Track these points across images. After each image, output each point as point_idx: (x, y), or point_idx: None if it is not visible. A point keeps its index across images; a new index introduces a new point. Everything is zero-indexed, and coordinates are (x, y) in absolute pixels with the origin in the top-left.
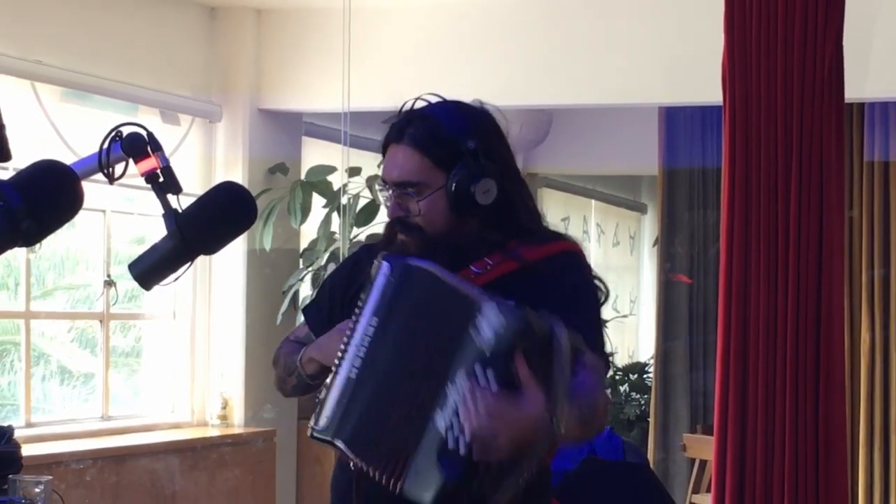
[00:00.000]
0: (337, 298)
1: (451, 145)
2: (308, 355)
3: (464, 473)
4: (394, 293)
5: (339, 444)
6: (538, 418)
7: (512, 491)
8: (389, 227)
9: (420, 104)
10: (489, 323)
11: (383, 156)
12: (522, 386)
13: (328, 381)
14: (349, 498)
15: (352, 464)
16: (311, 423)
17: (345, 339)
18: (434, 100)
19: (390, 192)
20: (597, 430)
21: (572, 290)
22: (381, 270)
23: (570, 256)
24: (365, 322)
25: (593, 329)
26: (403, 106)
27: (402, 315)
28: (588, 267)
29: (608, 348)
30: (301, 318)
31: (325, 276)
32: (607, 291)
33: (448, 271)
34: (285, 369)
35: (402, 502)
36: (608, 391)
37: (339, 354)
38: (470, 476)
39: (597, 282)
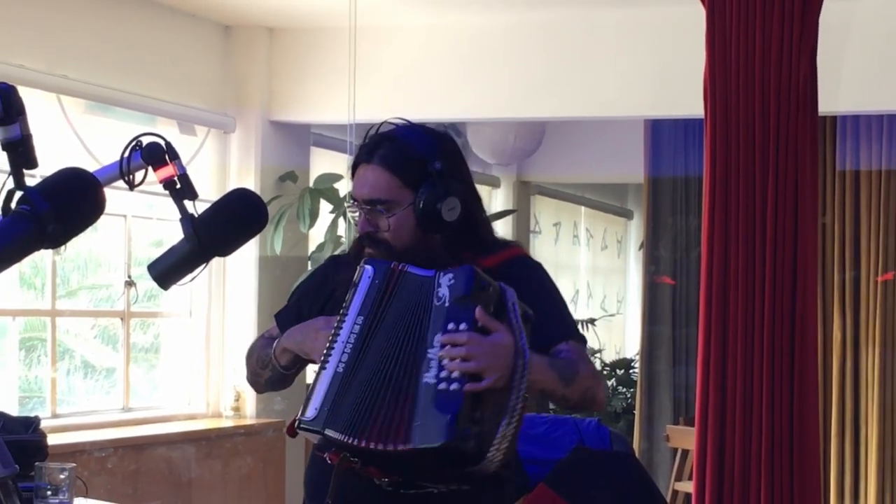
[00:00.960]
0: (305, 306)
1: (418, 166)
2: (282, 346)
3: (465, 408)
4: (377, 293)
5: (330, 432)
6: (510, 346)
7: (508, 433)
8: (358, 241)
9: (387, 127)
10: (445, 285)
11: (352, 176)
12: (488, 328)
13: (314, 377)
14: (324, 491)
15: (328, 458)
16: (298, 415)
17: (330, 338)
18: (400, 123)
19: (360, 209)
20: (581, 395)
21: (536, 287)
22: (365, 273)
23: (521, 260)
24: (350, 321)
25: (565, 316)
26: (370, 129)
27: (384, 311)
28: (539, 266)
29: (596, 341)
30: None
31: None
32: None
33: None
34: (259, 362)
35: (382, 494)
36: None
37: (325, 352)
38: (471, 408)
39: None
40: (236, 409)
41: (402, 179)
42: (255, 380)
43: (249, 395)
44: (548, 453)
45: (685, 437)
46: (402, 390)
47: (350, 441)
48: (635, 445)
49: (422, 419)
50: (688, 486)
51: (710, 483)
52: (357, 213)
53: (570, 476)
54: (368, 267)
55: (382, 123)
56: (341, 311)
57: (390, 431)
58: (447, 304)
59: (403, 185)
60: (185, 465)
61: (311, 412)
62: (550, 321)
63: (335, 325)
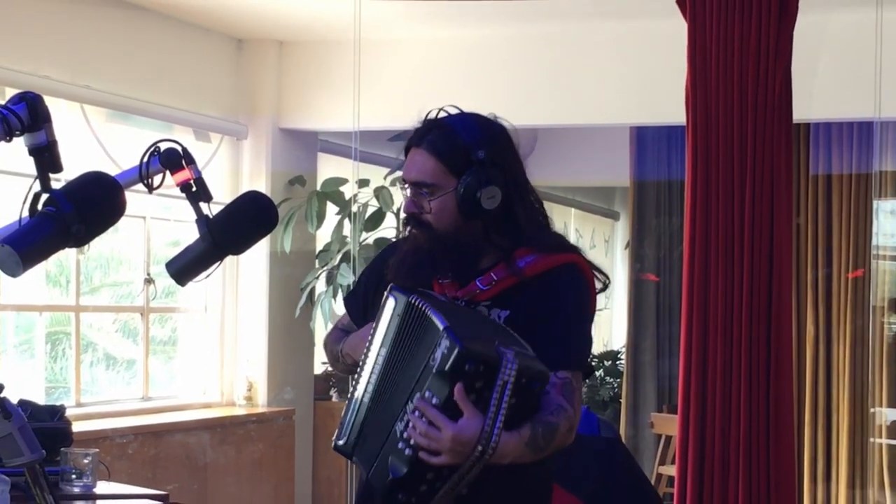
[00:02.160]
0: (371, 290)
1: (463, 153)
2: (345, 350)
3: (408, 473)
4: (396, 328)
5: (356, 460)
6: (469, 440)
7: (446, 498)
8: (405, 221)
9: (442, 114)
10: (441, 353)
11: (405, 157)
12: (463, 411)
13: (348, 398)
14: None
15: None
16: (334, 437)
17: (360, 363)
18: (453, 111)
19: (407, 189)
20: (555, 449)
21: (562, 303)
22: (389, 304)
23: (569, 270)
24: (375, 351)
25: (573, 341)
26: (428, 114)
27: (398, 346)
28: (586, 280)
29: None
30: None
31: (344, 276)
32: (606, 285)
33: (450, 289)
34: (332, 356)
35: None
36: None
37: (356, 376)
38: (414, 475)
39: (597, 281)
40: (249, 399)
41: (447, 165)
42: (334, 366)
43: (261, 385)
44: None
45: (668, 424)
46: (386, 427)
47: (361, 469)
48: (622, 432)
49: (380, 461)
50: (671, 470)
51: (691, 467)
52: (405, 194)
53: (560, 460)
54: (391, 298)
55: (440, 109)
56: (370, 338)
57: (369, 459)
58: (433, 371)
59: (448, 171)
60: (201, 451)
61: (342, 437)
62: (551, 346)
63: (364, 350)
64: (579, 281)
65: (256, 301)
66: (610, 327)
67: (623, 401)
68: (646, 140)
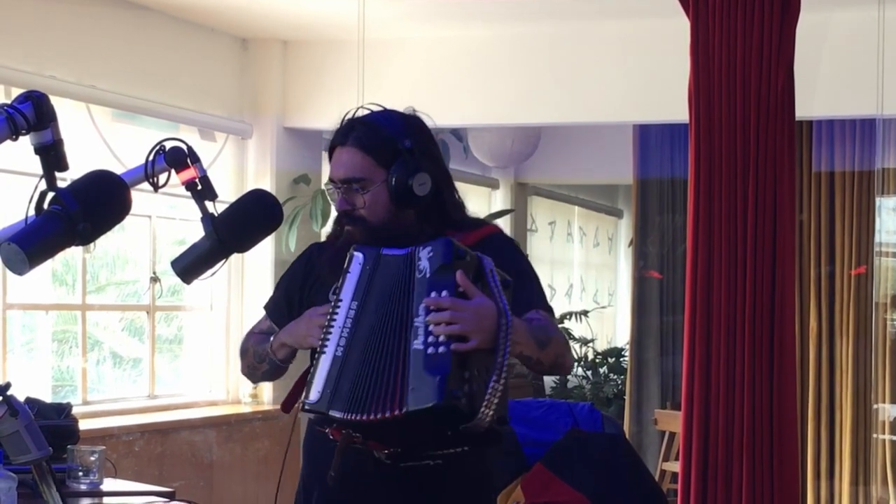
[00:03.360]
0: (294, 291)
1: (390, 145)
2: (279, 341)
3: (454, 368)
4: (368, 278)
5: (334, 413)
6: (492, 311)
7: (499, 390)
8: (337, 220)
9: (361, 112)
10: (425, 258)
11: (329, 159)
12: (469, 293)
13: (314, 361)
14: (325, 465)
15: (329, 434)
16: (303, 397)
17: (326, 324)
18: (373, 107)
19: (337, 189)
20: (554, 360)
21: (509, 260)
22: (355, 260)
23: (496, 237)
24: (345, 306)
25: (539, 291)
26: (345, 114)
27: (375, 294)
28: (512, 242)
29: (588, 332)
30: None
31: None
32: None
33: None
34: (255, 357)
35: (381, 466)
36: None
37: (323, 337)
38: (460, 369)
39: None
40: (254, 396)
41: (375, 158)
42: (251, 373)
43: (267, 383)
44: (544, 435)
45: (672, 421)
46: (394, 361)
47: (352, 417)
48: (625, 428)
49: (414, 384)
50: (674, 466)
51: (695, 463)
52: (335, 194)
53: (565, 456)
54: (358, 254)
55: (357, 109)
56: (335, 297)
57: (387, 401)
58: (428, 275)
59: (377, 164)
60: (207, 448)
61: (314, 395)
62: (522, 290)
63: (329, 310)
64: (512, 243)
65: (261, 299)
66: (613, 324)
67: (627, 398)
68: (649, 138)
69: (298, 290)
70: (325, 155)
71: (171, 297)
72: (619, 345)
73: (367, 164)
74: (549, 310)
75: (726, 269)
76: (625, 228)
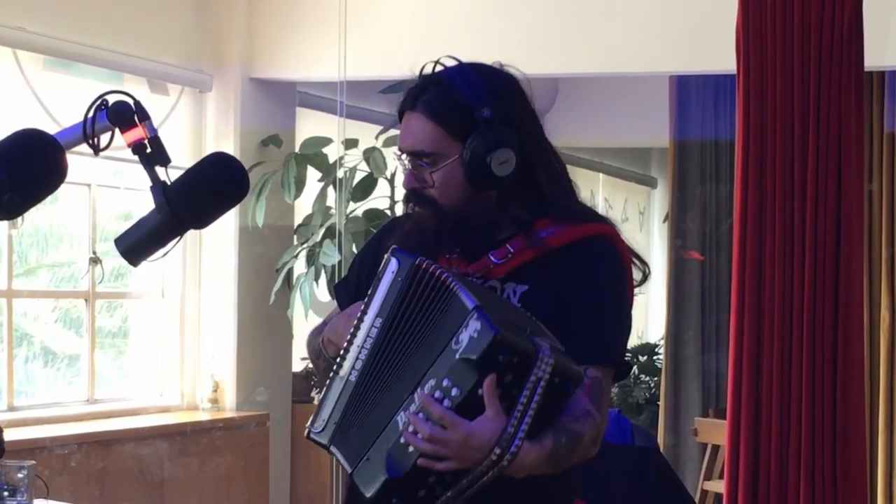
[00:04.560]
0: (364, 275)
1: (466, 113)
2: (326, 337)
3: (407, 476)
4: (398, 294)
5: (335, 451)
6: (483, 445)
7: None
8: (405, 198)
9: (437, 68)
10: (468, 336)
11: (399, 122)
12: (486, 408)
13: (328, 381)
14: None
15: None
16: (309, 423)
17: (347, 338)
18: (451, 63)
19: (406, 161)
20: (576, 462)
21: (590, 284)
22: (389, 267)
23: (600, 242)
24: (369, 322)
25: (602, 331)
26: (422, 69)
27: (405, 317)
28: (620, 254)
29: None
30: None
31: (327, 254)
32: (646, 274)
33: (458, 264)
34: (313, 353)
35: None
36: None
37: (341, 353)
38: (413, 480)
39: (635, 269)
40: (214, 401)
41: (448, 129)
42: (317, 369)
43: (228, 386)
44: None
45: (715, 431)
46: (383, 414)
47: (343, 462)
48: (659, 440)
49: (373, 456)
50: (718, 486)
51: (742, 482)
52: (404, 166)
53: (587, 473)
54: (393, 259)
55: (436, 63)
56: (363, 308)
57: (355, 451)
58: (457, 357)
59: (449, 136)
60: (158, 464)
61: (319, 423)
62: (580, 335)
63: (354, 323)
64: (614, 256)
65: (223, 285)
66: (645, 316)
67: (661, 403)
68: (689, 92)
69: (368, 275)
70: (299, 111)
71: (114, 281)
72: (652, 340)
73: (437, 136)
74: (616, 362)
75: (780, 249)
76: (659, 200)
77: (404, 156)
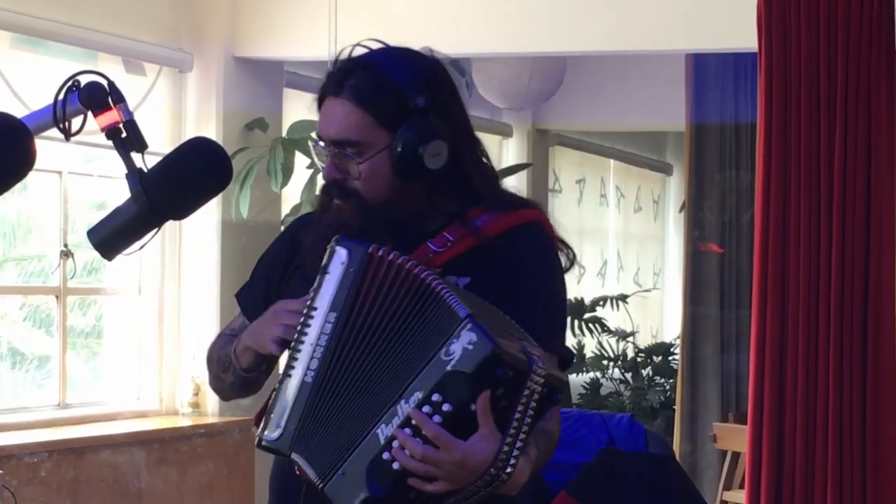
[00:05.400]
0: (274, 279)
1: (398, 101)
2: (243, 344)
3: (389, 495)
4: (354, 285)
5: (298, 458)
6: (478, 467)
7: None
8: (324, 191)
9: (360, 51)
10: (462, 348)
11: (318, 109)
12: (480, 426)
13: (278, 383)
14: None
15: (297, 470)
16: (259, 431)
17: (297, 337)
18: (376, 46)
19: (327, 151)
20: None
21: (532, 274)
22: (336, 258)
23: (534, 230)
24: (321, 318)
25: (555, 325)
26: (341, 53)
27: (365, 312)
28: (552, 240)
29: (629, 322)
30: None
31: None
32: (572, 260)
33: (404, 251)
34: (220, 365)
35: None
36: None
37: (291, 354)
38: (395, 499)
39: (561, 254)
40: (195, 406)
41: (377, 117)
42: (219, 386)
43: (210, 389)
44: (570, 456)
45: (735, 438)
46: (359, 423)
47: (307, 470)
48: (675, 447)
49: (350, 470)
50: (739, 496)
51: (765, 492)
52: (323, 156)
53: (597, 483)
54: (341, 250)
55: (356, 46)
56: (308, 303)
57: (327, 462)
58: (447, 370)
59: (378, 125)
60: (134, 473)
61: (274, 431)
62: (527, 328)
63: (301, 320)
64: (549, 246)
65: (205, 280)
66: (660, 313)
67: (677, 407)
68: (706, 72)
69: (279, 277)
70: (286, 93)
71: (87, 276)
72: (668, 339)
73: (365, 124)
74: (562, 351)
75: (805, 240)
76: (675, 188)
77: (322, 144)
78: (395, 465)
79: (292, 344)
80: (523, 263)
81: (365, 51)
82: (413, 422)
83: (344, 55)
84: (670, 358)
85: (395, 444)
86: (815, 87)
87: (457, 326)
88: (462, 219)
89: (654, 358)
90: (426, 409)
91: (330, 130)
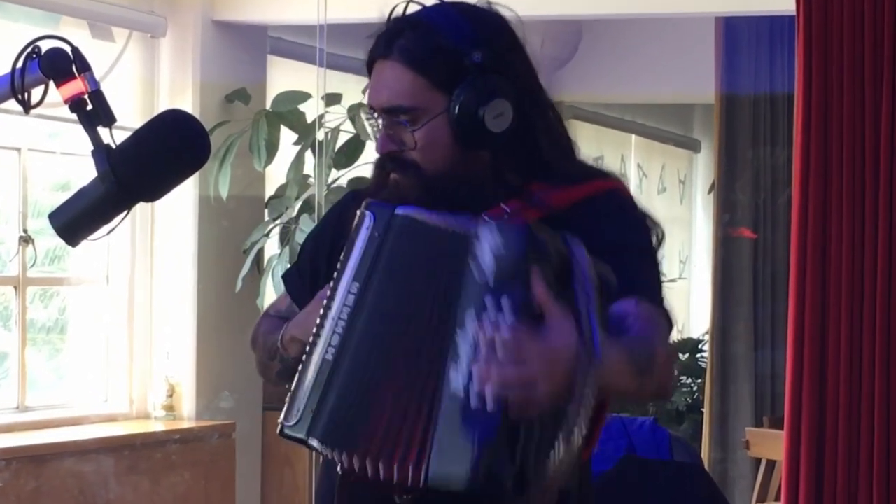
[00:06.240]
0: (322, 259)
1: (452, 59)
2: (289, 334)
3: (499, 437)
4: (377, 251)
5: (315, 443)
6: (572, 347)
7: (566, 458)
8: (379, 165)
9: (413, 8)
10: (490, 246)
11: (369, 76)
12: (545, 311)
13: (302, 365)
14: None
15: (339, 465)
16: (281, 417)
17: (321, 312)
18: (430, 2)
19: (379, 121)
20: (657, 388)
21: (615, 234)
22: (363, 224)
23: (609, 196)
24: (343, 289)
25: (651, 273)
26: (392, 11)
27: (388, 276)
28: (634, 206)
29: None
30: (276, 286)
31: (304, 232)
32: (662, 234)
33: (446, 214)
34: (266, 352)
35: None
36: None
37: (314, 331)
38: (508, 439)
39: (648, 221)
40: (169, 408)
41: (430, 79)
42: (266, 374)
43: (186, 390)
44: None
45: (771, 444)
46: (417, 387)
47: (335, 456)
48: (704, 454)
49: (442, 441)
50: None
51: (804, 503)
52: (376, 127)
53: (616, 495)
54: (368, 213)
55: (409, 2)
56: (334, 277)
57: (397, 446)
58: (486, 271)
59: (432, 86)
60: (102, 482)
61: (293, 416)
62: (624, 269)
63: (328, 295)
64: (627, 208)
65: (180, 269)
66: (687, 305)
67: (706, 410)
68: (738, 37)
69: (327, 256)
70: (271, 60)
71: (49, 265)
72: (695, 335)
73: (417, 87)
74: (660, 302)
75: (848, 226)
76: (703, 166)
77: (377, 114)
78: (489, 405)
79: (317, 321)
80: (599, 230)
81: (417, 8)
82: (481, 331)
83: (395, 14)
84: (698, 356)
85: (473, 377)
86: (860, 54)
87: (471, 235)
88: (522, 192)
89: (681, 355)
90: (487, 320)
91: (381, 97)
